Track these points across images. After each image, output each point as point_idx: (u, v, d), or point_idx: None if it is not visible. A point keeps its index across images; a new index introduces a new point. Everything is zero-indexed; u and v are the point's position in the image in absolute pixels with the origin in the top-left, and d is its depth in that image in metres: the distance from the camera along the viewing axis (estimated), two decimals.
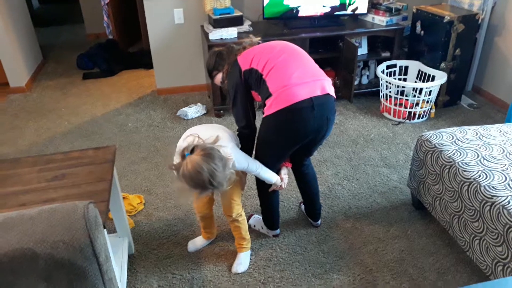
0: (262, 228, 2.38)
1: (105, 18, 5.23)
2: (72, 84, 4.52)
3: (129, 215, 2.50)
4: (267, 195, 2.21)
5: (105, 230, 1.45)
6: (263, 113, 1.92)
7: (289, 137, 1.93)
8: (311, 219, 2.44)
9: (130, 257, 2.23)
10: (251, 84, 1.95)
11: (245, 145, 2.03)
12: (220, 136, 1.80)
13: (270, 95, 1.85)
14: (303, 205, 2.51)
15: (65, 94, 4.26)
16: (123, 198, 2.52)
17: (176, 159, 1.70)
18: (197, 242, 2.30)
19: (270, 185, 2.11)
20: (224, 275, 2.13)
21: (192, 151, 1.63)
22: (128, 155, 3.17)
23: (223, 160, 1.66)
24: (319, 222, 2.44)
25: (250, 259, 2.22)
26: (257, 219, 2.42)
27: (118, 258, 2.05)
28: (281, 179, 2.08)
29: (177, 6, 3.76)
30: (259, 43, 2.06)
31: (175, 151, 1.77)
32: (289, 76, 1.83)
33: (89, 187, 1.68)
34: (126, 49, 5.44)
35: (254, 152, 2.07)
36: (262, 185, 2.16)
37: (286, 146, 1.98)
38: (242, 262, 2.17)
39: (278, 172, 2.09)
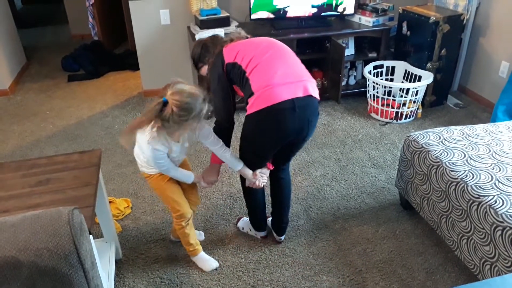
0: (250, 230, 2.37)
1: (90, 19, 5.16)
2: (57, 86, 4.45)
3: (116, 220, 2.46)
4: (251, 197, 2.21)
5: (91, 236, 1.42)
6: (246, 111, 1.91)
7: (270, 136, 1.90)
8: (275, 232, 2.32)
9: (118, 262, 2.20)
10: (233, 78, 1.92)
11: (221, 138, 2.00)
12: None
13: (252, 93, 1.83)
14: (270, 219, 2.39)
15: (50, 97, 4.20)
16: (110, 202, 2.49)
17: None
18: (206, 257, 2.21)
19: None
20: (213, 278, 2.11)
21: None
22: (115, 158, 3.13)
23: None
24: (282, 237, 2.31)
25: (240, 262, 2.21)
26: (245, 221, 2.41)
27: (105, 264, 2.02)
28: (255, 176, 2.05)
29: (163, 7, 3.73)
30: (247, 37, 2.03)
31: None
32: (272, 76, 1.81)
33: (74, 192, 1.66)
34: (112, 50, 5.38)
35: (238, 151, 2.07)
36: (246, 187, 2.15)
37: (267, 146, 1.95)
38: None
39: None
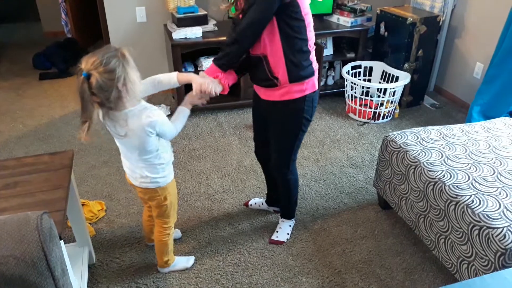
0: (290, 226, 2.38)
1: (63, 15, 5.02)
2: (28, 85, 4.30)
3: (89, 223, 2.38)
4: (297, 189, 2.28)
5: (62, 241, 1.36)
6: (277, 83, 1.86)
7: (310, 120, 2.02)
8: (276, 206, 2.48)
9: (91, 267, 2.13)
10: (290, 20, 1.75)
11: (226, 55, 1.83)
12: None
13: (311, 68, 1.88)
14: (264, 203, 2.54)
15: (20, 96, 4.05)
16: (83, 205, 2.42)
17: None
18: (182, 258, 2.18)
19: (288, 184, 2.22)
20: (190, 282, 2.06)
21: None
22: (88, 159, 3.04)
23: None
24: None
25: (218, 265, 2.16)
26: (284, 229, 2.35)
27: (78, 269, 1.95)
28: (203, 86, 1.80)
29: (139, 4, 3.65)
30: None
31: None
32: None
33: (44, 195, 1.58)
34: (86, 48, 5.23)
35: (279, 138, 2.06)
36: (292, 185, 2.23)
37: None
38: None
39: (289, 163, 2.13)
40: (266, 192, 2.52)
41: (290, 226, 2.37)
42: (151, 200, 1.87)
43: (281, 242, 2.30)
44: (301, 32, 1.78)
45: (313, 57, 1.89)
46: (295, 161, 2.15)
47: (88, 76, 1.48)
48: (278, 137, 2.05)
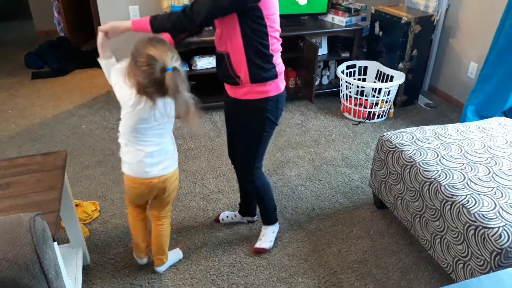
0: (273, 232, 2.30)
1: (56, 14, 4.97)
2: (20, 84, 4.25)
3: (83, 224, 2.36)
4: (269, 194, 2.19)
5: (55, 243, 1.34)
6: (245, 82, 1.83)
7: (276, 122, 1.99)
8: (249, 216, 2.41)
9: (85, 268, 2.11)
10: (252, 23, 1.73)
11: (175, 26, 1.84)
12: None
13: (274, 70, 1.85)
14: (237, 215, 2.44)
15: (12, 95, 4.00)
16: (77, 205, 2.39)
17: None
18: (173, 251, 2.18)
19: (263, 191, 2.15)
20: (186, 283, 2.04)
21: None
22: (82, 159, 3.01)
23: None
24: (255, 217, 2.44)
25: (213, 265, 2.15)
26: (269, 236, 2.27)
27: (72, 270, 1.93)
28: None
29: (132, 3, 3.62)
30: None
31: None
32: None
33: (37, 196, 1.56)
34: (79, 47, 5.20)
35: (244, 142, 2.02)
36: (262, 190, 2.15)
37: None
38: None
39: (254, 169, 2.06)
40: (239, 202, 2.43)
41: (273, 232, 2.28)
42: (172, 183, 1.87)
43: (264, 250, 2.23)
44: (262, 37, 1.76)
45: (277, 60, 1.85)
46: (260, 169, 2.07)
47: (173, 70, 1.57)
48: (242, 137, 2.02)
